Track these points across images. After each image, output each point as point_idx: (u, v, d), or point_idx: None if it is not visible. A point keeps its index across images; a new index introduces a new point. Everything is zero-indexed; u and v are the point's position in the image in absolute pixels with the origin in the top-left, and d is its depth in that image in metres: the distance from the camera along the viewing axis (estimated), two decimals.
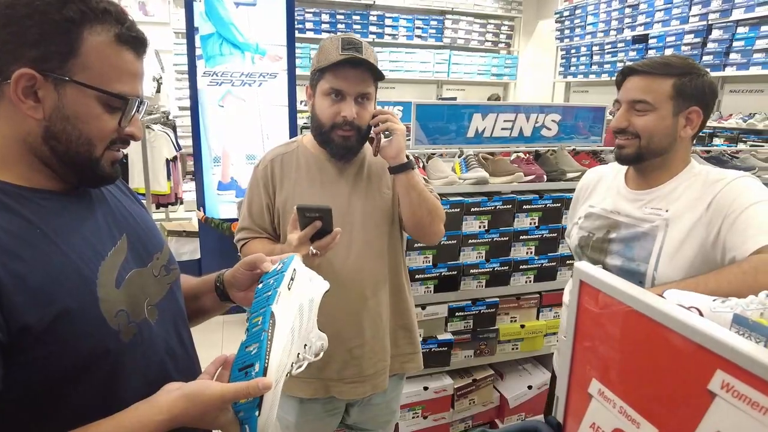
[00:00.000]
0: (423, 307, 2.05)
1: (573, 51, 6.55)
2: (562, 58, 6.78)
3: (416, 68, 7.11)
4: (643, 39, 5.45)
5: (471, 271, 2.09)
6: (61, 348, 0.66)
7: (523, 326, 2.23)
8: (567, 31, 6.63)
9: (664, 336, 0.54)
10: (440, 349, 2.08)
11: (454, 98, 6.00)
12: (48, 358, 0.65)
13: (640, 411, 0.58)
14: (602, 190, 1.39)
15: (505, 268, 2.13)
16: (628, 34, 5.65)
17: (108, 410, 0.67)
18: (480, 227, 2.07)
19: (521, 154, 2.31)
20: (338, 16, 6.69)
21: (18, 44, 0.66)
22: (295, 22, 6.48)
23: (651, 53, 5.29)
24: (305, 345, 0.82)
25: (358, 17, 6.77)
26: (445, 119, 2.20)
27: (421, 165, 2.15)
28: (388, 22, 6.90)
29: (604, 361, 0.64)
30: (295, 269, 0.86)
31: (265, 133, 3.53)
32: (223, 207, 3.65)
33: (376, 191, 1.43)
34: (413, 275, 1.99)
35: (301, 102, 5.34)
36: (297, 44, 3.69)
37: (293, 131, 3.57)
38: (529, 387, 2.32)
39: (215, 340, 3.33)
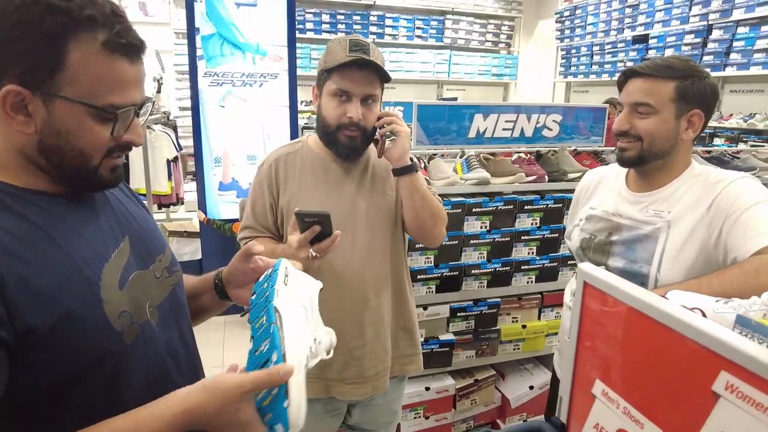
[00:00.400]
0: (425, 307, 2.05)
1: (573, 51, 6.55)
2: (562, 58, 6.78)
3: (417, 68, 7.11)
4: (643, 39, 5.45)
5: (472, 271, 2.09)
6: (65, 350, 0.66)
7: (524, 326, 2.24)
8: (567, 31, 6.62)
9: (668, 337, 0.54)
10: (442, 349, 2.09)
11: (455, 98, 6.00)
12: (52, 361, 0.65)
13: (644, 412, 0.58)
14: (603, 192, 1.39)
15: (506, 268, 2.13)
16: (628, 34, 5.65)
17: (110, 411, 0.66)
18: (481, 228, 2.07)
19: (523, 155, 2.32)
20: (338, 17, 6.69)
21: (3, 61, 0.65)
22: (296, 23, 6.49)
23: (651, 53, 5.29)
24: (315, 339, 0.80)
25: (358, 17, 6.76)
26: (446, 119, 2.20)
27: (422, 165, 2.15)
28: (388, 22, 6.89)
29: (608, 362, 0.64)
30: (286, 267, 0.85)
31: (266, 133, 3.54)
32: (224, 207, 3.66)
33: (380, 192, 1.44)
34: (415, 276, 2.00)
35: (302, 102, 5.35)
36: (297, 45, 3.69)
37: (294, 131, 3.58)
38: (531, 387, 2.32)
39: (217, 339, 3.34)
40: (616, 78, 1.30)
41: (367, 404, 1.55)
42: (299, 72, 3.69)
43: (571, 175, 2.16)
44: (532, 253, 2.16)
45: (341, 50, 1.28)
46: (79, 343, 0.67)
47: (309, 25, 6.68)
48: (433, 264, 2.03)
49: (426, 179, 1.99)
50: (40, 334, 0.63)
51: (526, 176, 2.09)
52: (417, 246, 1.99)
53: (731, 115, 4.72)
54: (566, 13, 6.55)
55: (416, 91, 7.27)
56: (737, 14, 4.40)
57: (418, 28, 6.99)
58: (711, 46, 4.65)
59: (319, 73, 1.36)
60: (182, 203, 5.91)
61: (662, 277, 1.18)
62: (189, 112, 3.63)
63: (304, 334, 0.74)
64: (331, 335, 0.82)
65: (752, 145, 4.21)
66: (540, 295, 2.25)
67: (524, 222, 2.12)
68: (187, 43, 3.34)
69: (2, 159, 0.70)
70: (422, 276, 2.02)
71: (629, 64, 5.39)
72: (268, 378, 0.64)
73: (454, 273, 2.06)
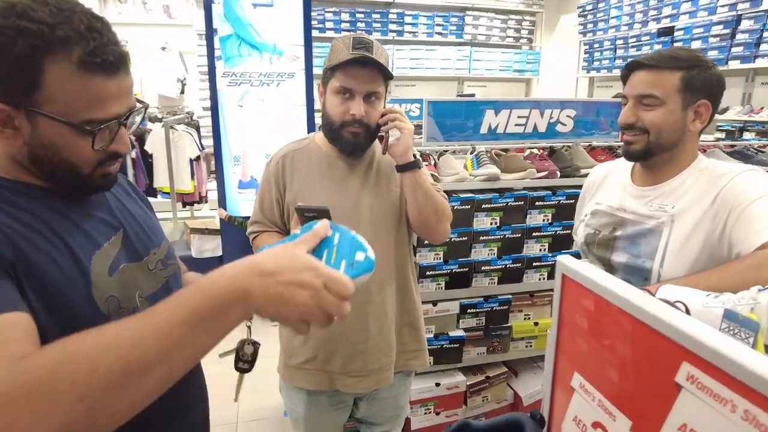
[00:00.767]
0: (434, 303, 2.05)
1: (596, 45, 6.42)
2: (585, 53, 6.66)
3: (437, 65, 7.08)
4: (668, 31, 5.31)
5: (482, 268, 2.08)
6: (52, 324, 0.68)
7: (536, 324, 2.22)
8: (590, 25, 6.50)
9: (636, 328, 0.54)
10: (452, 345, 2.09)
11: (473, 95, 5.96)
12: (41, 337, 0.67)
13: (616, 404, 0.58)
14: (609, 187, 1.37)
15: (517, 265, 2.11)
16: (653, 26, 5.51)
17: None
18: (491, 224, 2.06)
19: (536, 151, 2.29)
20: (358, 15, 6.72)
21: None
22: (315, 22, 6.55)
23: (678, 45, 5.15)
24: None
25: (377, 15, 6.78)
26: (457, 116, 2.20)
27: (432, 162, 2.16)
28: (408, 19, 6.89)
29: (584, 354, 0.64)
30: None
31: (284, 132, 3.58)
32: (244, 205, 3.72)
33: (384, 189, 1.45)
34: (424, 272, 2.00)
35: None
36: (317, 43, 3.73)
37: (311, 130, 3.61)
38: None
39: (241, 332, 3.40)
40: None
41: (373, 398, 1.56)
42: (316, 71, 3.71)
43: (584, 171, 2.12)
44: (544, 249, 2.14)
45: (344, 48, 1.30)
46: (67, 320, 0.70)
47: (329, 24, 6.72)
48: (442, 260, 2.03)
49: (434, 175, 2.00)
50: (37, 311, 0.67)
51: (537, 172, 2.07)
52: (425, 242, 1.99)
53: (762, 108, 4.56)
54: (589, 7, 6.43)
55: (437, 89, 7.25)
56: None
57: (438, 24, 6.96)
58: (740, 37, 4.50)
59: (324, 71, 1.38)
60: (206, 201, 6.04)
61: (665, 272, 1.16)
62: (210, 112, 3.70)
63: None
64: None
65: None
66: (552, 292, 2.22)
67: (536, 218, 2.10)
68: (205, 44, 3.41)
69: (3, 162, 0.75)
70: (431, 272, 2.02)
71: None
72: (315, 234, 0.69)
73: (464, 269, 2.06)
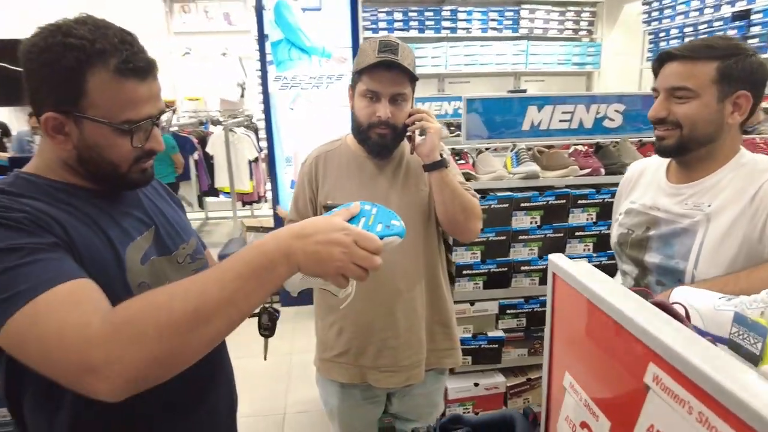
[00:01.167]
0: (471, 303, 2.05)
1: (662, 35, 6.06)
2: (650, 43, 6.29)
3: (492, 61, 6.96)
4: (744, 15, 4.92)
5: (522, 268, 2.05)
6: None
7: None
8: (656, 13, 6.14)
9: (613, 328, 0.53)
10: (490, 346, 2.07)
11: (524, 90, 5.81)
12: None
13: (598, 404, 0.57)
14: (643, 185, 1.32)
15: None
16: (726, 10, 5.12)
17: None
18: (532, 223, 2.03)
19: (580, 147, 2.22)
20: (411, 14, 6.73)
21: (40, 93, 0.79)
22: (368, 23, 6.63)
23: (755, 30, 4.77)
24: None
25: (430, 13, 6.76)
26: (498, 113, 2.17)
27: (470, 161, 2.14)
28: (461, 16, 6.81)
29: (573, 353, 0.64)
30: None
31: (332, 133, 3.67)
32: None
33: (412, 188, 1.47)
34: (460, 271, 2.00)
35: None
36: None
37: None
38: None
39: (284, 330, 3.54)
40: None
41: (405, 394, 1.59)
42: None
43: None
44: (589, 249, 2.07)
45: (371, 52, 1.33)
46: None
47: (381, 24, 6.78)
48: (479, 259, 2.02)
49: (469, 173, 1.99)
50: None
51: (580, 169, 2.01)
52: (469, 242, 1.99)
53: None
54: None
55: (492, 85, 7.12)
56: None
57: (493, 20, 6.83)
58: None
59: (353, 74, 1.42)
60: (265, 201, 6.29)
61: (699, 274, 1.10)
62: None
63: None
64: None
65: None
66: None
67: (579, 217, 2.03)
68: (258, 50, 3.56)
69: (54, 165, 0.85)
70: (468, 271, 2.01)
71: None
72: (348, 210, 0.79)
73: (503, 269, 2.03)
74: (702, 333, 0.70)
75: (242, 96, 7.13)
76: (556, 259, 0.65)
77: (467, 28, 6.89)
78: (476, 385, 2.10)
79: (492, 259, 2.03)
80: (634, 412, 0.50)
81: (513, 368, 2.21)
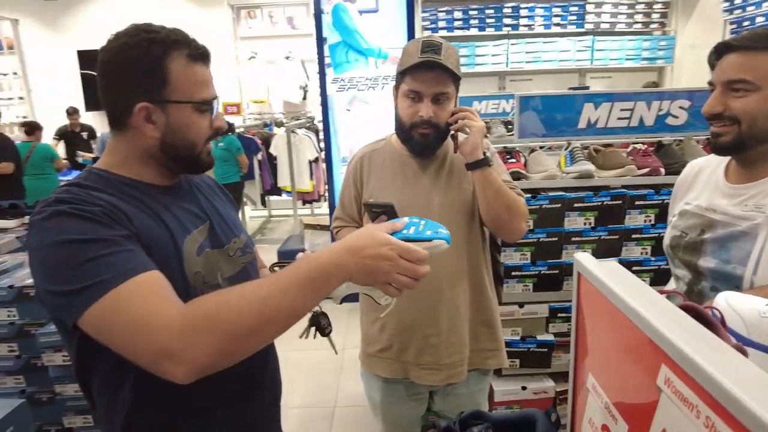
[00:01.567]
0: (520, 305, 2.01)
1: (746, 24, 5.62)
2: (731, 33, 5.86)
3: (555, 58, 6.75)
4: None
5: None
6: None
7: None
8: (738, 1, 5.71)
9: (629, 328, 0.52)
10: (540, 349, 2.02)
11: (587, 87, 5.56)
12: None
13: (616, 406, 0.56)
14: (699, 185, 1.25)
15: None
16: None
17: None
18: (585, 224, 1.96)
19: (640, 146, 2.12)
20: (471, 12, 6.65)
21: (130, 86, 0.87)
22: (428, 23, 6.63)
23: None
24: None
25: (491, 11, 6.65)
26: (553, 110, 2.12)
27: (522, 159, 2.11)
28: (523, 12, 6.66)
29: (596, 354, 0.62)
30: None
31: (387, 133, 3.72)
32: None
33: (456, 186, 1.47)
34: (509, 272, 1.97)
35: None
36: None
37: None
38: None
39: (339, 326, 3.61)
40: None
41: (448, 392, 1.59)
42: None
43: None
44: (646, 253, 1.97)
45: (414, 52, 1.35)
46: None
47: (441, 24, 6.75)
48: (529, 261, 1.98)
49: (520, 172, 1.96)
50: None
51: (638, 169, 1.92)
52: (514, 242, 1.96)
53: None
54: None
55: (555, 82, 6.90)
56: None
57: (556, 15, 6.63)
58: None
59: (396, 74, 1.44)
60: (325, 200, 6.45)
61: (759, 280, 1.03)
62: None
63: None
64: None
65: None
66: None
67: (636, 219, 1.94)
68: (316, 53, 3.66)
69: (128, 160, 0.93)
70: (517, 273, 1.98)
71: None
72: (392, 223, 0.87)
73: (554, 271, 1.98)
74: (744, 341, 0.66)
75: (304, 98, 7.34)
76: (581, 258, 0.64)
77: (529, 25, 6.73)
78: (524, 388, 2.06)
79: (543, 260, 1.98)
80: (649, 415, 0.49)
81: (563, 373, 2.15)
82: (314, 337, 1.10)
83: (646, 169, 1.92)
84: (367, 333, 1.59)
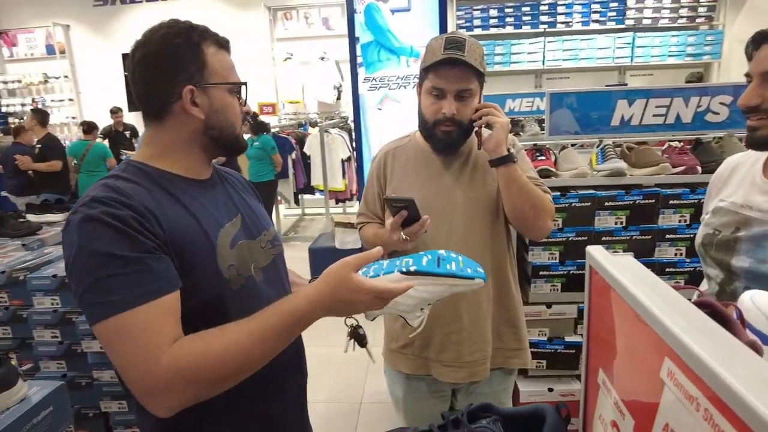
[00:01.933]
0: (548, 305, 1.97)
1: None
2: None
3: (593, 55, 6.59)
4: None
5: None
6: (191, 289, 0.88)
7: None
8: None
9: (635, 321, 0.51)
10: (567, 351, 1.98)
11: (625, 84, 5.40)
12: (181, 300, 0.86)
13: (623, 400, 0.55)
14: (736, 182, 1.20)
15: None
16: None
17: None
18: (617, 223, 1.91)
19: (676, 143, 2.05)
20: (507, 10, 6.57)
21: (174, 73, 0.91)
22: (462, 21, 6.58)
23: None
24: (422, 308, 0.99)
25: (527, 8, 6.56)
26: (585, 108, 2.07)
27: (552, 157, 2.07)
28: (560, 9, 6.53)
29: (606, 349, 0.61)
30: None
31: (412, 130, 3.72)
32: None
33: (480, 183, 1.46)
34: (537, 272, 1.94)
35: None
36: None
37: None
38: None
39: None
40: None
41: (471, 391, 1.57)
42: None
43: None
44: (681, 254, 1.90)
45: (438, 48, 1.34)
46: (199, 283, 0.90)
47: (476, 22, 6.70)
48: (557, 260, 1.94)
49: (549, 170, 1.92)
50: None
51: (673, 167, 1.85)
52: (540, 240, 1.93)
53: None
54: None
55: (593, 80, 6.73)
56: None
57: (595, 12, 6.47)
58: None
59: (420, 71, 1.44)
60: (357, 199, 6.50)
61: None
62: None
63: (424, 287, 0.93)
64: (419, 319, 1.01)
65: None
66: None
67: (670, 219, 1.88)
68: (348, 52, 3.69)
69: (167, 150, 0.97)
70: (545, 272, 1.94)
71: None
72: (366, 255, 0.88)
73: (583, 271, 1.93)
74: (766, 340, 0.64)
75: (338, 98, 7.41)
76: (593, 251, 0.63)
77: (567, 22, 6.60)
78: (550, 390, 2.02)
79: (572, 260, 1.94)
80: (654, 409, 0.47)
81: None
82: (353, 350, 1.12)
83: (682, 168, 1.85)
84: (390, 328, 1.60)
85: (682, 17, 6.47)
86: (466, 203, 1.44)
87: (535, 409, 0.66)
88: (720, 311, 0.57)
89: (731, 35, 6.47)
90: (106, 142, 6.69)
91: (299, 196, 6.74)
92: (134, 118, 7.31)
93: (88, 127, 5.72)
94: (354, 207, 6.84)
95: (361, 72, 3.71)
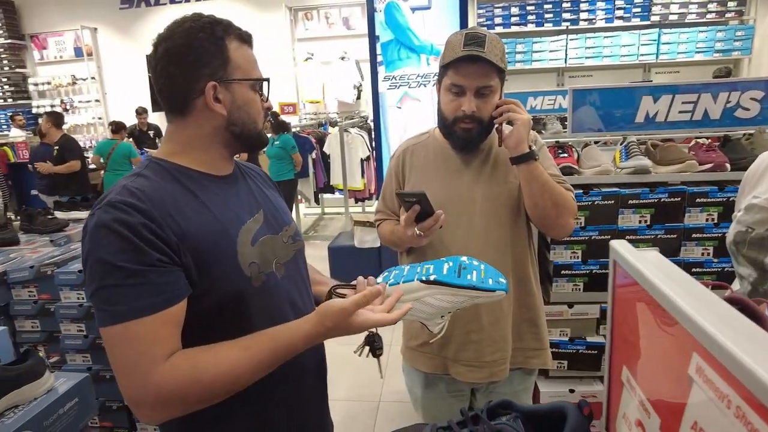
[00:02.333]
0: (570, 305, 1.94)
1: None
2: None
3: (617, 53, 6.47)
4: None
5: None
6: (210, 287, 0.88)
7: None
8: None
9: (661, 316, 0.49)
10: (589, 351, 1.94)
11: (650, 81, 5.28)
12: (200, 297, 0.88)
13: (649, 398, 0.53)
14: None
15: None
16: None
17: None
18: (641, 222, 1.86)
19: (704, 140, 1.99)
20: (528, 8, 6.50)
21: (197, 68, 0.90)
22: (483, 19, 6.53)
23: None
24: (442, 316, 0.98)
25: (549, 6, 6.48)
26: (608, 104, 2.04)
27: (575, 155, 2.03)
28: (583, 6, 6.44)
29: (630, 346, 0.59)
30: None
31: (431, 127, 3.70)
32: None
33: (501, 180, 1.44)
34: (558, 270, 1.91)
35: None
36: None
37: None
38: None
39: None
40: None
41: (491, 391, 1.56)
42: None
43: None
44: (708, 254, 1.85)
45: (457, 45, 1.32)
46: (220, 282, 0.90)
47: (497, 20, 6.65)
48: (580, 259, 1.90)
49: (572, 167, 1.89)
50: (195, 274, 0.87)
51: (700, 164, 1.80)
52: (562, 239, 1.89)
53: None
54: None
55: (617, 78, 6.62)
56: None
57: (619, 8, 6.36)
58: None
59: (439, 68, 1.42)
60: (376, 198, 6.50)
61: None
62: None
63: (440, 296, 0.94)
64: (440, 326, 1.00)
65: None
66: None
67: (696, 217, 1.83)
68: (368, 51, 3.69)
69: (188, 146, 0.96)
70: (567, 271, 1.91)
71: None
72: (364, 298, 0.87)
73: (606, 271, 1.89)
74: None
75: (358, 98, 7.43)
76: (616, 245, 0.61)
77: (590, 19, 6.50)
78: (572, 391, 1.99)
79: (594, 259, 1.91)
80: (681, 407, 0.46)
81: None
82: (366, 356, 1.11)
83: (709, 165, 1.80)
84: (409, 327, 1.59)
85: (710, 12, 6.31)
86: (486, 201, 1.42)
87: (557, 406, 0.64)
88: (752, 308, 0.55)
89: (762, 30, 6.29)
90: (131, 141, 6.84)
91: (319, 195, 6.77)
92: (158, 119, 7.45)
93: (116, 127, 5.85)
94: (373, 206, 6.85)
95: (381, 71, 3.71)
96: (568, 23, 6.47)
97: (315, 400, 1.12)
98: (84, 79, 8.46)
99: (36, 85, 8.63)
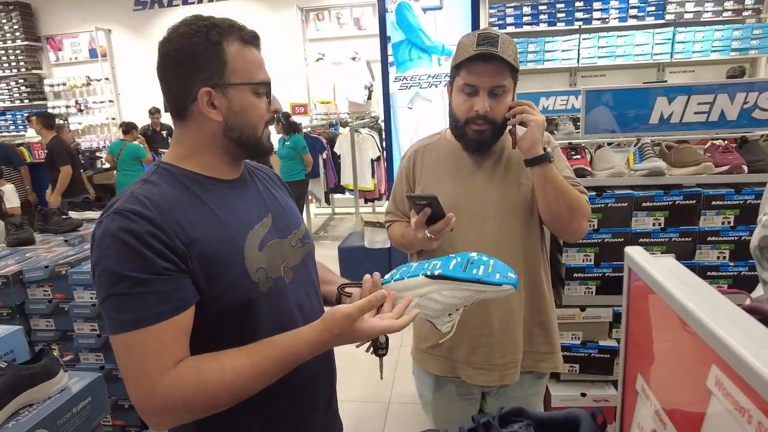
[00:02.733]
0: (582, 308, 1.92)
1: None
2: None
3: (631, 52, 6.40)
4: None
5: None
6: (217, 293, 0.88)
7: None
8: None
9: (678, 326, 0.48)
10: (601, 355, 1.92)
11: (664, 81, 5.22)
12: (208, 303, 0.88)
13: (665, 409, 0.52)
14: None
15: None
16: None
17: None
18: (654, 225, 1.84)
19: (720, 141, 1.96)
20: (540, 7, 6.46)
21: (192, 73, 0.88)
22: (495, 19, 6.50)
23: None
24: (450, 314, 0.98)
25: (562, 5, 6.42)
26: (622, 105, 2.01)
27: (587, 156, 2.01)
28: (596, 5, 6.37)
29: (645, 354, 0.58)
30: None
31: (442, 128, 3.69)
32: None
33: (513, 182, 1.42)
34: (571, 273, 1.89)
35: None
36: None
37: None
38: None
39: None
40: None
41: (501, 394, 1.55)
42: None
43: None
44: (724, 257, 1.82)
45: (470, 45, 1.31)
46: (227, 288, 0.89)
47: (509, 20, 6.61)
48: (592, 262, 1.88)
49: (585, 169, 1.87)
50: (202, 281, 0.87)
51: (716, 166, 1.77)
52: (575, 242, 1.88)
53: None
54: None
55: (631, 78, 6.55)
56: None
57: (633, 7, 6.29)
58: None
59: (451, 69, 1.41)
60: (387, 198, 6.50)
61: None
62: None
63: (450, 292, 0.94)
64: (449, 325, 1.00)
65: None
66: None
67: (712, 220, 1.80)
68: (379, 51, 3.68)
69: (194, 150, 0.96)
70: (579, 274, 1.89)
71: None
72: (369, 303, 0.87)
73: (620, 274, 1.87)
74: None
75: (369, 98, 7.43)
76: (631, 251, 0.60)
77: (603, 18, 6.43)
78: (583, 395, 1.97)
79: (607, 262, 1.88)
80: (699, 420, 0.45)
81: None
82: (369, 352, 1.10)
83: (726, 167, 1.77)
84: (419, 328, 1.59)
85: (727, 10, 6.21)
86: (499, 203, 1.41)
87: (570, 414, 0.64)
88: None
89: None
90: (143, 142, 6.91)
91: (330, 196, 6.78)
92: (170, 119, 7.51)
93: (127, 128, 5.89)
94: (383, 206, 6.85)
95: (392, 71, 3.70)
96: (580, 22, 6.41)
97: (322, 409, 1.10)
98: (98, 80, 8.56)
99: (51, 86, 8.75)
